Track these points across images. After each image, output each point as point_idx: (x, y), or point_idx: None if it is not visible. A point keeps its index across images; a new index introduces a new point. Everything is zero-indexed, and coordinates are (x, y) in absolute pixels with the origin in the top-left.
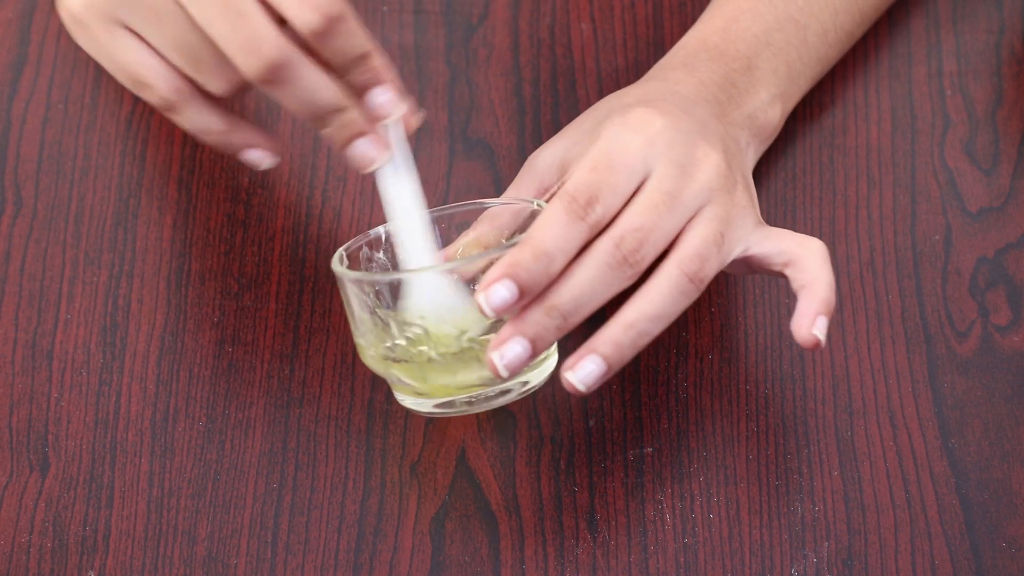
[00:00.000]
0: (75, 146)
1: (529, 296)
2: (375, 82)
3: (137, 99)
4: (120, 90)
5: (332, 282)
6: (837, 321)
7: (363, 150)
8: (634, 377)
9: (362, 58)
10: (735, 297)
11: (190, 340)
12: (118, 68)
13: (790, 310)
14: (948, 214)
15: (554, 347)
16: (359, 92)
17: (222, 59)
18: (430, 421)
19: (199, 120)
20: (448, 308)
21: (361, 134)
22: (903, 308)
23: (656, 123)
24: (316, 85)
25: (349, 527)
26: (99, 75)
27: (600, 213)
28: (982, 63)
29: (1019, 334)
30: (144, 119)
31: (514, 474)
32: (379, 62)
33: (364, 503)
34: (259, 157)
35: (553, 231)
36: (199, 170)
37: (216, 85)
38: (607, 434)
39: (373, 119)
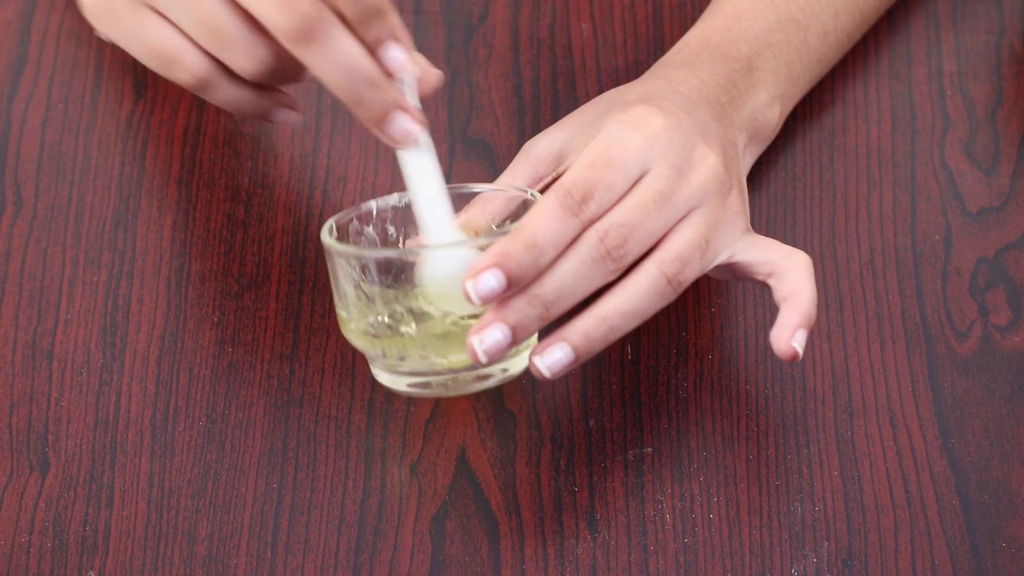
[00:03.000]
0: (75, 146)
1: (517, 287)
2: (390, 38)
3: (137, 99)
4: (120, 90)
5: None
6: (837, 321)
7: (400, 124)
8: (634, 377)
9: (380, 12)
10: (735, 297)
11: (190, 340)
12: (147, 50)
13: None
14: (948, 214)
15: (535, 337)
16: (373, 48)
17: (249, 35)
18: (430, 420)
19: (231, 95)
20: (441, 287)
21: (396, 108)
22: (903, 308)
23: (657, 122)
24: (350, 49)
25: (349, 527)
26: (99, 75)
27: (594, 210)
28: (982, 63)
29: (1019, 334)
30: (144, 119)
31: (514, 474)
32: (396, 20)
33: (364, 503)
34: (288, 115)
35: (546, 224)
36: (199, 170)
37: (244, 63)
38: (607, 434)
39: (387, 74)
